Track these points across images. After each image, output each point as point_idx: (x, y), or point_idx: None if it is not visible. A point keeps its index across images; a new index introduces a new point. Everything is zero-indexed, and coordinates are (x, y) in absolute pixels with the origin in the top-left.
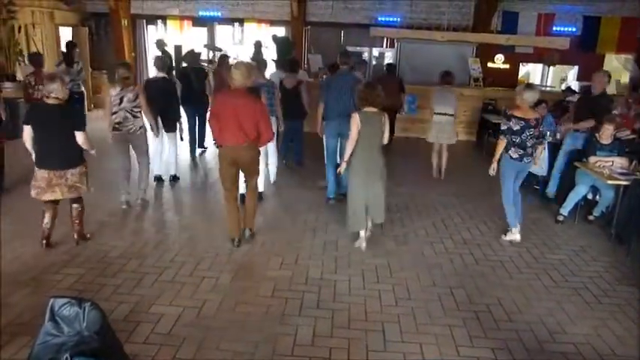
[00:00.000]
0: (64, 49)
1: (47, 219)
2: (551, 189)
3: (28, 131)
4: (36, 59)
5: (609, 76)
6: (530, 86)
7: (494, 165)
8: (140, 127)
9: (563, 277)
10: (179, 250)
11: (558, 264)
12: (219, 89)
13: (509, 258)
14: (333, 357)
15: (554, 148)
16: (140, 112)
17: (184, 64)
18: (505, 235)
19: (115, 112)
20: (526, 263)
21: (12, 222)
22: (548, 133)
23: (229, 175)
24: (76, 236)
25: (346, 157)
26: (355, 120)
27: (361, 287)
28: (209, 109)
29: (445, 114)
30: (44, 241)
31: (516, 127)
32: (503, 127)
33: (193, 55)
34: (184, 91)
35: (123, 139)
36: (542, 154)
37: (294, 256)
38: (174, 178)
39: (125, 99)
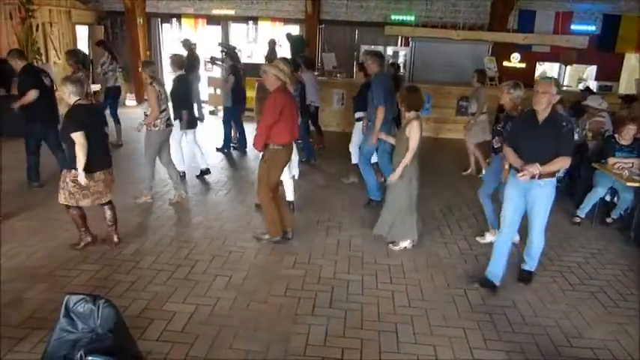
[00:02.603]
0: (79, 47)
1: (110, 217)
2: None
3: (82, 136)
4: (72, 56)
5: (558, 86)
6: (518, 85)
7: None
8: None
9: (580, 280)
10: (192, 248)
11: (575, 267)
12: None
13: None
14: (345, 357)
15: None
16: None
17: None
18: (483, 237)
19: (164, 110)
20: (542, 266)
21: (30, 218)
22: None
23: (281, 173)
24: (116, 238)
25: (403, 165)
26: (419, 127)
27: (374, 287)
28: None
29: (486, 112)
30: (117, 238)
31: None
32: (501, 129)
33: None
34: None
35: (167, 136)
36: None
37: (307, 255)
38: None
39: (167, 95)
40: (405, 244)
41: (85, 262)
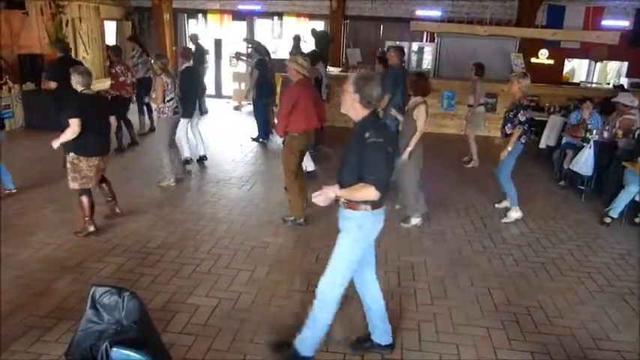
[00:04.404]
0: (107, 42)
1: (87, 202)
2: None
3: (78, 123)
4: (117, 51)
5: (357, 84)
6: (526, 75)
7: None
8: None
9: (608, 281)
10: (216, 243)
11: (603, 268)
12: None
13: (550, 260)
14: (367, 354)
15: (602, 147)
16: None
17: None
18: (510, 215)
19: (171, 99)
20: (569, 266)
21: (59, 209)
22: (594, 131)
23: (300, 162)
24: (118, 210)
25: (412, 145)
26: (426, 110)
27: (397, 284)
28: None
29: (482, 104)
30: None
31: (529, 115)
32: (522, 119)
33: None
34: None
35: (175, 122)
36: (588, 153)
37: (330, 251)
38: (205, 158)
39: (176, 85)
40: (416, 221)
41: (110, 255)
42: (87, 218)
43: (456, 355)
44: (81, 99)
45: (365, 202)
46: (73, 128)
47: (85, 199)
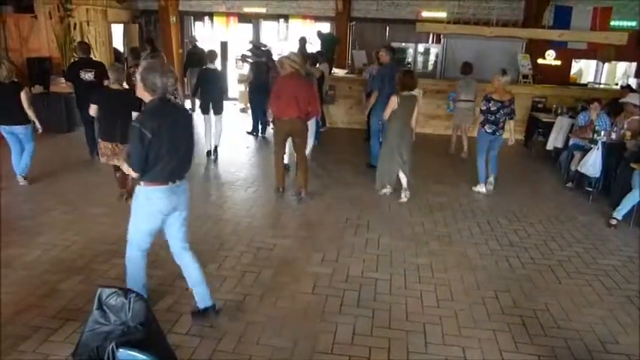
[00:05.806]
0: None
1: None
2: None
3: (95, 108)
4: (136, 53)
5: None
6: (505, 72)
7: None
8: None
9: (616, 283)
10: (221, 244)
11: (611, 270)
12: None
13: (557, 262)
14: (372, 356)
15: (610, 149)
16: (177, 93)
17: (260, 59)
18: (475, 186)
19: None
20: (576, 268)
21: (67, 211)
22: (602, 132)
23: (282, 142)
24: (126, 195)
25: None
26: (393, 102)
27: (402, 287)
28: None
29: (468, 101)
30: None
31: (493, 108)
32: (483, 108)
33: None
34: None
35: None
36: (595, 154)
37: (335, 253)
38: (216, 149)
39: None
40: (385, 190)
41: (117, 256)
42: (121, 189)
43: (462, 358)
44: (104, 92)
45: (142, 179)
46: (90, 111)
47: (118, 173)
